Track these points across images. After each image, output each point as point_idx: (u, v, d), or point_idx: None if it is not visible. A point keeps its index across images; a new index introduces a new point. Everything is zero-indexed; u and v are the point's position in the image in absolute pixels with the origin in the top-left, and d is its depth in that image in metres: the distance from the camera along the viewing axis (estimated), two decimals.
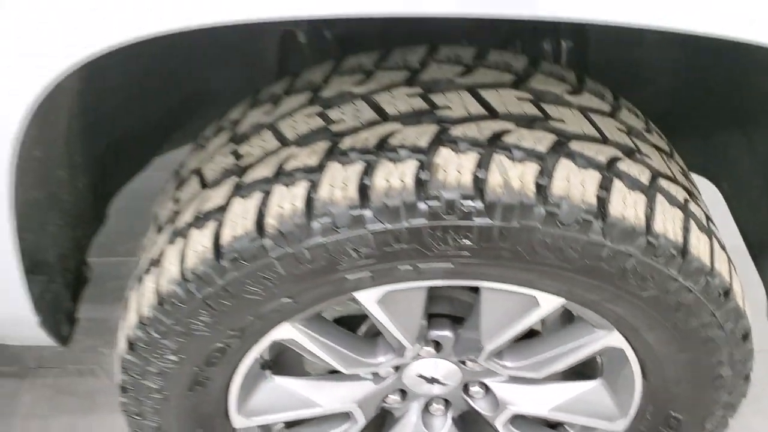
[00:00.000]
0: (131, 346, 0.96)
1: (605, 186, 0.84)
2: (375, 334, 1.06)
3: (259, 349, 1.00)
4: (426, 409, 1.18)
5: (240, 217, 0.87)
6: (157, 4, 0.71)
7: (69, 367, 1.60)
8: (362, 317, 1.09)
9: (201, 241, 0.89)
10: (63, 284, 1.03)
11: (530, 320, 0.96)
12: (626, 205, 0.84)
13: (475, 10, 0.72)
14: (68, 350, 1.19)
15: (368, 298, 0.93)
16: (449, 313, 1.09)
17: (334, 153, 0.87)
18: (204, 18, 0.71)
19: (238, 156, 0.95)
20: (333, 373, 1.10)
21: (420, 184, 0.82)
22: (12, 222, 0.84)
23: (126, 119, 1.20)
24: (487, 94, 0.90)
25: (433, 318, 1.06)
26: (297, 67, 1.06)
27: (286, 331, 0.98)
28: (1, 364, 1.60)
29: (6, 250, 0.85)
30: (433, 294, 0.98)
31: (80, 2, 0.72)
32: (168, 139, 1.30)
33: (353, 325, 1.12)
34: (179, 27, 0.72)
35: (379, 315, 0.95)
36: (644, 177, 0.88)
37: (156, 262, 0.95)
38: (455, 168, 0.82)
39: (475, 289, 0.98)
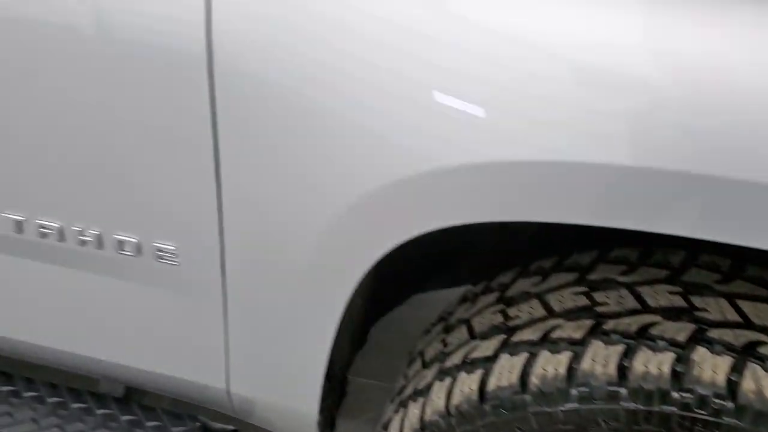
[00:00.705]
0: None
1: None
2: None
3: None
4: None
5: (506, 371, 1.02)
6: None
7: None
8: None
9: (468, 383, 1.05)
10: (336, 393, 1.24)
11: None
12: None
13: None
14: None
15: None
16: None
17: (597, 332, 1.00)
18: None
19: (506, 316, 1.12)
20: None
21: (675, 375, 0.93)
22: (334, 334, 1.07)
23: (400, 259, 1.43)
24: (744, 304, 1.00)
25: None
26: None
27: None
28: None
29: (322, 358, 1.07)
30: None
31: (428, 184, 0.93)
32: (429, 282, 1.51)
33: None
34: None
35: None
36: None
37: (422, 393, 1.12)
38: (710, 367, 0.92)
39: None
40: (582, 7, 0.83)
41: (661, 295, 1.03)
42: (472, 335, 1.13)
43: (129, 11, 0.93)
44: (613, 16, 0.82)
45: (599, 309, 1.04)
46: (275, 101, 0.91)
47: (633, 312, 1.02)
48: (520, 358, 1.03)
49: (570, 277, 1.13)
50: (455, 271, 1.52)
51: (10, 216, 1.10)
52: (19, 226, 1.11)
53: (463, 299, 1.26)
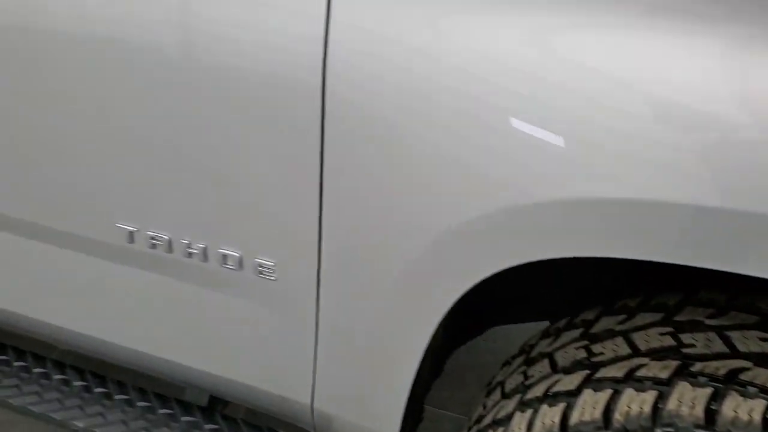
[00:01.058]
0: None
1: None
2: None
3: None
4: None
5: (589, 406, 1.03)
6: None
7: None
8: None
9: (550, 416, 1.06)
10: (413, 419, 1.26)
11: None
12: None
13: None
14: None
15: None
16: None
17: (684, 373, 1.00)
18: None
19: (590, 352, 1.13)
20: None
21: (767, 423, 0.92)
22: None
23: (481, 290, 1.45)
24: None
25: None
26: None
27: None
28: None
29: (406, 382, 1.11)
30: None
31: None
32: (507, 315, 1.53)
33: None
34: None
35: None
36: None
37: (501, 423, 1.14)
38: None
39: None
40: (672, 47, 0.86)
41: (751, 341, 1.03)
42: (555, 369, 1.15)
43: (252, 42, 0.99)
44: (700, 57, 0.84)
45: (686, 350, 1.04)
46: (380, 131, 0.96)
47: (721, 356, 1.02)
48: (604, 394, 1.03)
49: (656, 316, 1.14)
50: (533, 306, 1.53)
51: (124, 227, 1.19)
52: (131, 236, 1.19)
53: (546, 333, 1.28)
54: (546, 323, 1.72)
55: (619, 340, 1.12)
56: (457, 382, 1.72)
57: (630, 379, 1.04)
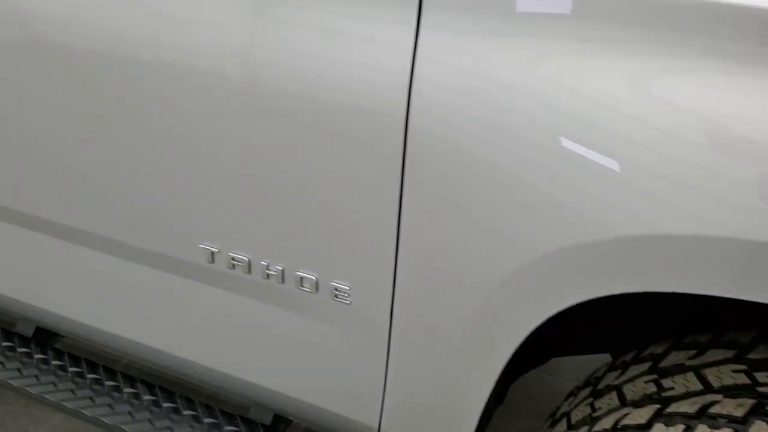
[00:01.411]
0: None
1: None
2: None
3: None
4: None
5: None
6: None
7: None
8: None
9: None
10: None
11: None
12: None
13: None
14: None
15: None
16: None
17: (760, 412, 1.00)
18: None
19: (660, 387, 1.13)
20: None
21: None
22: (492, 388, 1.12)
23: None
24: None
25: None
26: None
27: None
28: None
29: (476, 410, 1.13)
30: None
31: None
32: (570, 347, 1.53)
33: None
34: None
35: None
36: None
37: None
38: None
39: None
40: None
41: None
42: (624, 402, 1.15)
43: (339, 74, 1.03)
44: None
45: (761, 389, 1.03)
46: (461, 164, 0.99)
47: None
48: (676, 430, 1.03)
49: (728, 353, 1.13)
50: (595, 338, 1.54)
51: (206, 247, 1.24)
52: (212, 256, 1.23)
53: (613, 366, 1.28)
54: (605, 356, 1.73)
55: (691, 375, 1.11)
56: (511, 412, 1.73)
57: (703, 415, 1.03)
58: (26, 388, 1.59)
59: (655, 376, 1.16)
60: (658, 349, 1.23)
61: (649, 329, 1.41)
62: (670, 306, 1.33)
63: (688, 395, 1.08)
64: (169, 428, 1.49)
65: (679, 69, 0.91)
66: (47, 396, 1.56)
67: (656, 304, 1.32)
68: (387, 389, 1.20)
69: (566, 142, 0.93)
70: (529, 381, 1.58)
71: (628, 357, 1.27)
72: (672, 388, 1.11)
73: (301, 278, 1.17)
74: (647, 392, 1.13)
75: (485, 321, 1.05)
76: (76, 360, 1.66)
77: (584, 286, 0.99)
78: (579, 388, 1.31)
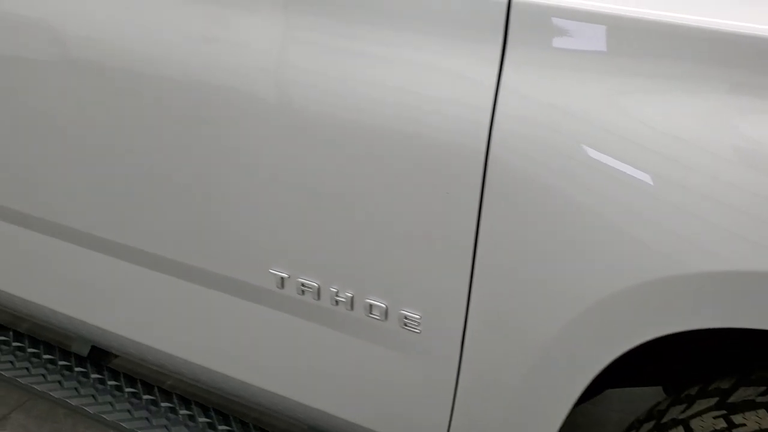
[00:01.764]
0: None
1: None
2: None
3: None
4: None
5: None
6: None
7: None
8: None
9: None
10: None
11: None
12: None
13: None
14: None
15: None
16: None
17: None
18: None
19: (730, 423, 1.12)
20: None
21: None
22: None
23: None
24: None
25: None
26: None
27: None
28: None
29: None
30: None
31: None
32: (627, 379, 1.53)
33: None
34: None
35: None
36: None
37: None
38: None
39: None
40: None
41: None
42: None
43: (418, 106, 1.05)
44: None
45: None
46: (538, 198, 1.00)
47: None
48: None
49: None
50: (653, 371, 1.53)
51: (277, 273, 1.25)
52: (282, 282, 1.25)
53: (677, 400, 1.27)
54: (655, 388, 1.71)
55: (762, 412, 1.11)
56: None
57: None
58: (83, 407, 1.61)
59: (724, 412, 1.15)
60: (725, 384, 1.22)
61: (707, 363, 1.41)
62: (734, 341, 1.33)
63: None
64: None
65: (759, 108, 0.92)
66: (105, 416, 1.58)
67: (721, 338, 1.32)
68: (453, 420, 1.20)
69: (641, 179, 0.94)
70: (572, 412, 1.57)
71: (693, 391, 1.26)
72: (744, 425, 1.11)
73: (371, 305, 1.19)
74: (717, 428, 1.12)
75: (557, 358, 1.06)
76: (131, 380, 1.68)
77: (660, 321, 0.99)
78: (640, 422, 1.31)
